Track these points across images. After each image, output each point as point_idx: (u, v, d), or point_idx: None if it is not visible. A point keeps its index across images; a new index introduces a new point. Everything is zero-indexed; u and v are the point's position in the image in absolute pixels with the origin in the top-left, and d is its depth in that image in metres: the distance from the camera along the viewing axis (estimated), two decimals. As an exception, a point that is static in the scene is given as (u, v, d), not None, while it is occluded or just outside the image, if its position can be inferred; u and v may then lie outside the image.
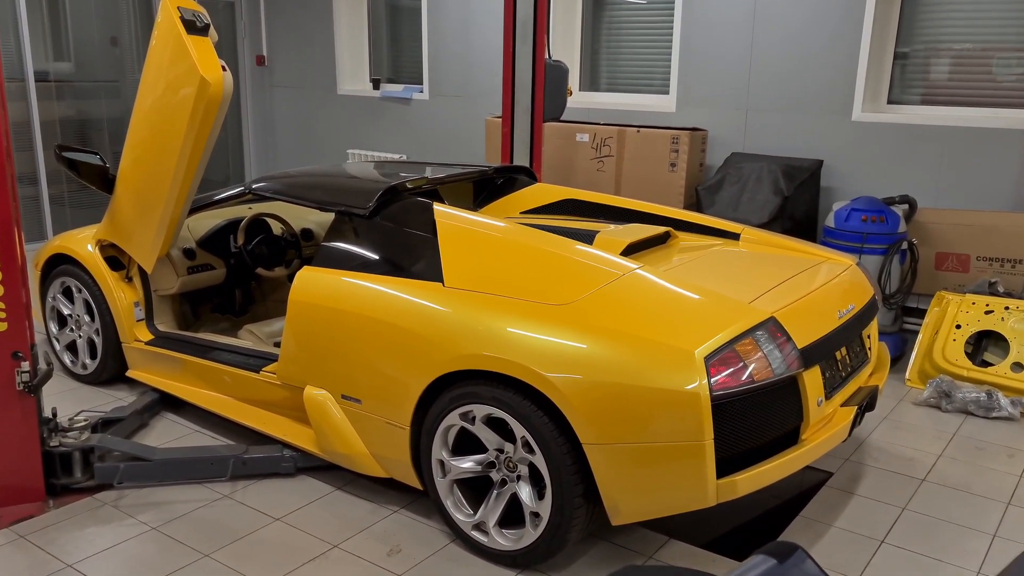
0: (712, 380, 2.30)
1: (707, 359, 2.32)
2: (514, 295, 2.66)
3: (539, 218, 3.75)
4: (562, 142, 5.91)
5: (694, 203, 5.38)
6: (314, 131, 8.14)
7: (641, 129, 5.54)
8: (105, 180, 3.74)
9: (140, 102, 3.41)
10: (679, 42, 5.70)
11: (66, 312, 4.12)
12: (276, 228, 4.33)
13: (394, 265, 2.99)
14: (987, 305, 4.23)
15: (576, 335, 2.45)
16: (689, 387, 2.29)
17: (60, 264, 4.10)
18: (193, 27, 3.15)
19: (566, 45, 6.45)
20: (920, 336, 4.37)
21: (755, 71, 5.44)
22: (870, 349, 3.09)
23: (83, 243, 3.98)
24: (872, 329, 3.14)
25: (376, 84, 7.72)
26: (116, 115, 7.66)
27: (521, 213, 3.89)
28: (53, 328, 4.22)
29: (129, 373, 3.96)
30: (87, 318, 4.03)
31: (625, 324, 2.44)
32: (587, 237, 3.14)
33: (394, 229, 3.10)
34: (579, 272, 2.67)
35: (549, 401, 2.50)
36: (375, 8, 7.80)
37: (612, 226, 3.38)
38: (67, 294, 4.13)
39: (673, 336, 2.38)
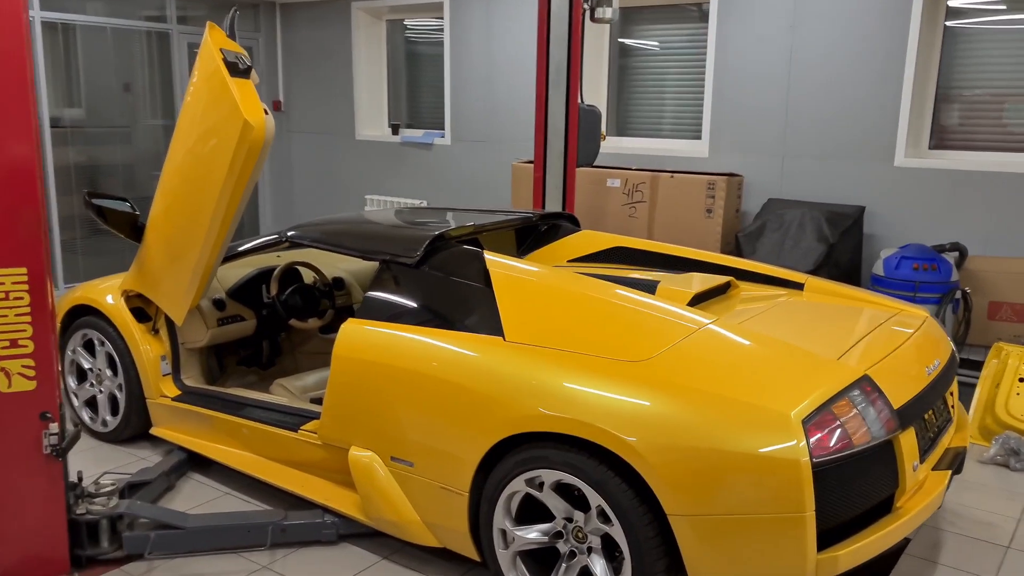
0: (811, 445, 2.13)
1: (804, 422, 2.15)
2: (583, 351, 2.50)
3: (589, 266, 3.61)
4: (592, 188, 5.82)
5: (733, 249, 5.25)
6: (332, 177, 8.06)
7: (675, 174, 5.44)
8: (134, 228, 3.60)
9: (175, 146, 3.29)
10: (712, 88, 5.64)
11: (87, 366, 3.95)
12: (307, 277, 4.18)
13: (447, 317, 2.84)
14: (1051, 357, 4.07)
15: (656, 395, 2.29)
16: (788, 453, 2.12)
17: (81, 316, 3.95)
18: (236, 69, 3.04)
19: (593, 90, 6.39)
20: (979, 390, 4.20)
21: (792, 117, 5.36)
22: (953, 407, 2.92)
23: (107, 293, 3.83)
24: (954, 386, 2.98)
25: (395, 129, 7.67)
26: (128, 161, 7.58)
27: (568, 262, 3.75)
28: (72, 383, 4.04)
29: (154, 431, 3.78)
30: (109, 372, 3.86)
31: (708, 383, 2.28)
32: (647, 287, 3.00)
33: (443, 279, 2.96)
34: (651, 326, 2.51)
35: (627, 467, 2.32)
36: (394, 54, 7.79)
37: (670, 275, 3.24)
38: (88, 347, 3.96)
39: (764, 396, 2.22)
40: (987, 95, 4.92)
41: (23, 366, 2.65)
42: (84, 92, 7.12)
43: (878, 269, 4.53)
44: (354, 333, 2.95)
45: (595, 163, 6.04)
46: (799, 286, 3.29)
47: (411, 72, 7.69)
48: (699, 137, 5.93)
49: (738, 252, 5.05)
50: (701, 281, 3.08)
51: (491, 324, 2.72)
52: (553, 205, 5.23)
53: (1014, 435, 3.86)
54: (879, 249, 5.10)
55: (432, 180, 7.32)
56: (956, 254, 4.63)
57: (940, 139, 5.11)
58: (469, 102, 6.95)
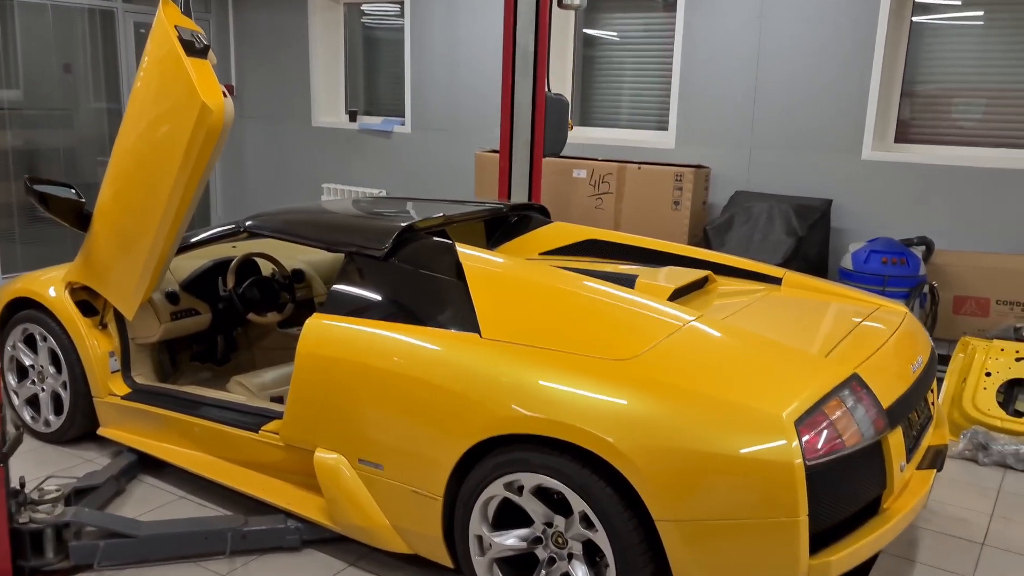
0: (803, 446, 2.07)
1: (797, 423, 2.09)
2: (564, 348, 2.40)
3: (562, 259, 3.51)
4: (558, 178, 5.72)
5: (701, 242, 5.21)
6: (287, 165, 7.83)
7: (642, 166, 5.37)
8: (80, 216, 3.39)
9: (126, 130, 3.09)
10: (679, 78, 5.58)
11: (27, 363, 3.72)
12: (266, 269, 4.01)
13: (418, 313, 2.71)
14: (1017, 352, 4.11)
15: (642, 394, 2.20)
16: (780, 455, 2.05)
17: (21, 309, 3.72)
18: (192, 48, 2.86)
19: (559, 79, 6.29)
20: (945, 384, 4.23)
21: (759, 108, 5.34)
22: (932, 404, 2.90)
23: (49, 286, 3.61)
24: (933, 383, 2.96)
25: (353, 116, 7.47)
26: (69, 145, 7.25)
27: (540, 254, 3.65)
28: (11, 380, 3.81)
29: (101, 431, 3.57)
30: (52, 369, 3.64)
31: (695, 382, 2.20)
32: (625, 282, 2.91)
33: (414, 273, 2.83)
34: (634, 323, 2.43)
35: (612, 470, 2.24)
36: (351, 38, 7.58)
37: (647, 269, 3.16)
38: (29, 342, 3.74)
39: (754, 396, 2.14)
40: (950, 90, 4.95)
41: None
42: (23, 73, 6.77)
43: (846, 263, 4.53)
44: (319, 328, 2.81)
45: (561, 153, 5.94)
46: (777, 280, 3.24)
47: (369, 58, 7.49)
48: (666, 128, 5.88)
49: (707, 245, 5.01)
50: (680, 276, 3.00)
51: (466, 320, 2.61)
52: (519, 195, 5.12)
53: (981, 430, 3.89)
54: (846, 242, 5.11)
55: (392, 169, 7.15)
56: (923, 248, 4.66)
57: (905, 133, 5.13)
58: (430, 89, 6.79)
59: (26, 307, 3.70)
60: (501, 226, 3.84)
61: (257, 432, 3.05)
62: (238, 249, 4.10)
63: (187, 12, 2.95)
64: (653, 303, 2.52)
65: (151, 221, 3.09)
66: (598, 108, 6.27)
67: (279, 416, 3.09)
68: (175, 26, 2.85)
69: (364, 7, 7.43)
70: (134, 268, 3.21)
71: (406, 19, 6.76)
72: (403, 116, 7.24)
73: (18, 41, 6.69)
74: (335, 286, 2.90)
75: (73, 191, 3.39)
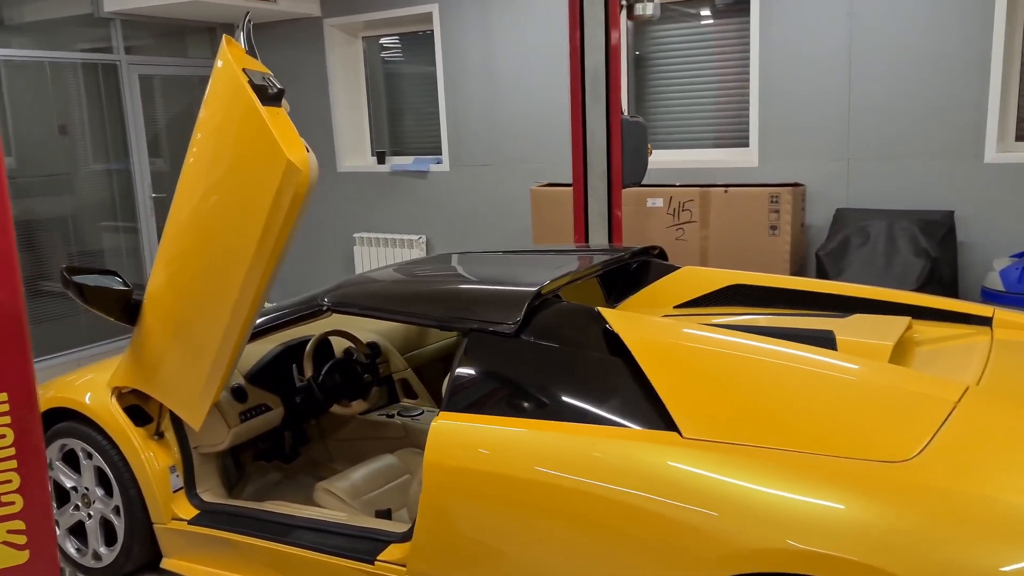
0: None
1: None
2: (803, 448, 1.85)
3: (705, 313, 2.97)
4: (628, 209, 5.20)
5: (809, 271, 4.68)
6: (312, 216, 7.30)
7: (729, 189, 4.85)
8: (127, 307, 2.84)
9: (183, 199, 2.56)
10: (758, 88, 5.08)
11: (69, 485, 3.15)
12: (338, 346, 3.46)
13: (577, 405, 2.16)
14: None
15: (950, 520, 1.65)
16: None
17: (57, 421, 3.15)
18: (265, 95, 2.33)
19: (614, 100, 5.78)
20: None
21: (855, 114, 4.83)
22: None
23: (89, 392, 3.05)
24: None
25: (381, 158, 6.96)
26: (69, 212, 6.70)
27: (675, 308, 3.10)
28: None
29: (165, 563, 2.99)
30: (100, 491, 3.07)
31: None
32: (821, 341, 2.37)
33: (557, 351, 2.29)
34: (887, 403, 1.88)
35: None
36: (372, 75, 7.09)
37: (833, 320, 2.61)
38: (70, 460, 3.17)
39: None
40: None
41: (9, 531, 1.88)
42: (13, 137, 6.26)
43: (992, 283, 4.00)
44: (448, 433, 2.25)
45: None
46: (986, 321, 2.69)
47: (392, 94, 7.00)
48: (746, 144, 5.37)
49: (822, 274, 4.47)
50: (884, 327, 2.46)
51: (651, 413, 2.06)
52: (599, 235, 4.59)
53: None
54: (975, 258, 4.58)
55: (431, 212, 6.62)
56: (1076, 259, 4.13)
57: None
58: (469, 121, 6.28)
59: (63, 418, 3.14)
60: (619, 277, 3.30)
61: (373, 563, 2.48)
62: (307, 326, 3.55)
63: (252, 52, 2.41)
64: (899, 373, 1.98)
65: (221, 308, 2.54)
66: (662, 127, 5.77)
67: (394, 537, 2.52)
68: (243, 69, 2.33)
69: (383, 40, 6.95)
70: (199, 367, 2.66)
71: (437, 46, 6.27)
72: (438, 153, 6.73)
73: (6, 102, 6.19)
74: (457, 373, 2.36)
75: (118, 279, 2.84)
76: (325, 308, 2.76)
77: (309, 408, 3.25)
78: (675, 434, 1.99)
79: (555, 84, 5.86)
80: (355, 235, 6.94)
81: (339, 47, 6.90)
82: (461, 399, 2.32)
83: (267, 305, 3.31)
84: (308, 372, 3.08)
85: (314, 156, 2.38)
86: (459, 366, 2.38)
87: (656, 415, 2.05)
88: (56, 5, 6.13)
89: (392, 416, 3.47)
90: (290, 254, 7.54)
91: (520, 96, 6.01)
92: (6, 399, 1.82)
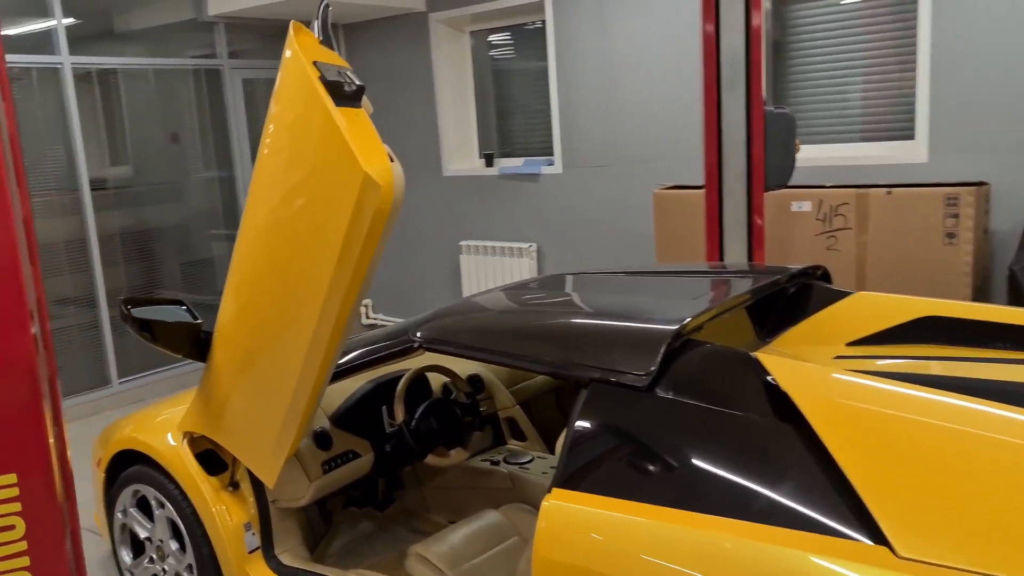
0: None
1: None
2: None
3: (894, 352, 2.36)
4: (771, 215, 4.57)
5: (994, 287, 3.95)
6: (417, 223, 6.98)
7: (892, 189, 4.16)
8: (196, 342, 2.51)
9: (250, 218, 2.19)
10: (928, 67, 4.35)
11: (143, 535, 2.87)
12: (438, 382, 3.05)
13: (739, 493, 1.64)
14: None
15: None
16: None
17: (132, 462, 2.88)
18: (340, 93, 1.92)
19: (749, 89, 5.15)
20: None
21: (1053, 97, 4.04)
22: None
23: (162, 434, 2.75)
24: None
25: (489, 160, 6.55)
26: (177, 222, 6.62)
27: (848, 346, 2.51)
28: (125, 557, 2.96)
29: (242, 634, 2.65)
30: (174, 545, 2.76)
31: None
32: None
33: (705, 413, 1.78)
34: None
35: None
36: (479, 72, 6.70)
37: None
38: (144, 507, 2.88)
39: None
40: None
41: (21, 643, 1.53)
42: (131, 147, 6.23)
43: None
44: (564, 520, 1.77)
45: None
46: None
47: (500, 92, 6.58)
48: (911, 136, 4.64)
49: (1015, 292, 3.73)
50: None
51: (844, 513, 1.51)
52: (736, 247, 4.00)
53: None
54: None
55: (542, 218, 6.17)
56: None
57: None
58: (583, 119, 5.79)
59: (137, 460, 2.86)
60: (772, 302, 2.73)
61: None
62: (399, 361, 3.15)
63: (328, 42, 1.97)
64: None
65: (295, 346, 2.15)
66: (804, 120, 5.10)
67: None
68: (314, 62, 1.92)
69: (491, 38, 6.55)
70: (272, 415, 2.28)
71: (549, 39, 5.81)
72: (550, 154, 6.27)
73: (125, 113, 6.16)
74: (574, 437, 1.88)
75: (184, 309, 2.51)
76: (416, 346, 2.34)
77: (401, 457, 2.84)
78: (885, 550, 1.44)
79: (683, 73, 5.29)
80: (461, 243, 6.57)
81: (445, 43, 6.54)
82: (579, 474, 1.83)
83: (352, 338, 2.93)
84: (399, 417, 2.67)
85: (399, 167, 1.95)
86: (576, 427, 1.90)
87: (853, 517, 1.51)
88: (161, 11, 6.04)
89: (497, 463, 3.03)
90: (392, 264, 7.25)
91: (641, 89, 5.47)
92: (14, 481, 1.47)
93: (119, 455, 2.91)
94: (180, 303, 2.51)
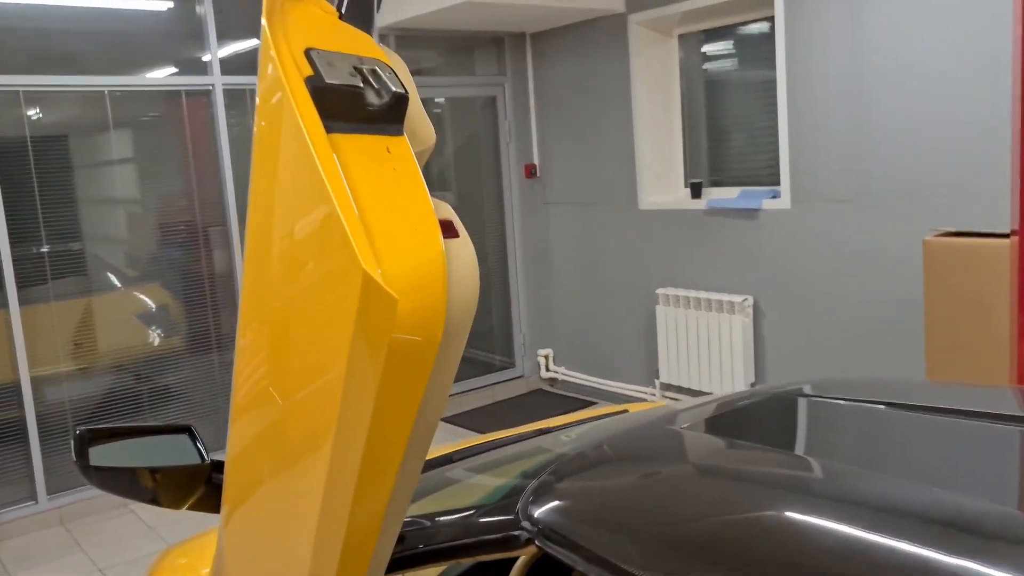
0: None
1: None
2: None
3: None
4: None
5: None
6: (603, 262, 6.01)
7: None
8: (209, 489, 1.68)
9: (245, 289, 1.32)
10: None
11: None
12: None
13: None
14: None
15: None
16: None
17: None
18: (353, 108, 1.00)
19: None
20: None
21: None
22: None
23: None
24: None
25: (696, 190, 5.45)
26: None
27: None
28: None
29: None
30: None
31: None
32: None
33: None
34: None
35: None
36: (689, 85, 5.62)
37: None
38: None
39: None
40: None
41: None
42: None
43: None
44: None
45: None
46: None
47: (712, 107, 5.47)
48: None
49: None
50: None
51: None
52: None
53: None
54: None
55: (759, 264, 4.97)
56: None
57: None
58: (820, 141, 4.56)
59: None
60: None
61: None
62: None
63: (358, 16, 0.99)
64: None
65: (305, 509, 1.26)
66: None
67: None
68: (306, 50, 1.02)
69: (705, 48, 5.46)
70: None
71: (778, 41, 4.64)
72: (775, 184, 5.07)
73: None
74: None
75: (187, 435, 1.69)
76: (524, 538, 1.38)
77: None
78: None
79: (965, 84, 3.94)
80: (658, 290, 5.51)
81: (647, 49, 5.55)
82: None
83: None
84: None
85: (465, 249, 1.01)
86: None
87: None
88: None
89: None
90: (573, 308, 6.31)
91: (904, 103, 4.16)
92: None
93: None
94: (185, 430, 1.70)
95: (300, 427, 1.21)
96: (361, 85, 1.02)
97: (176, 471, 1.62)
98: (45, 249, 4.54)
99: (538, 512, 1.41)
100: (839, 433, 1.58)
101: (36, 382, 4.51)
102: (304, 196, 0.99)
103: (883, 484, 1.26)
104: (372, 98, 1.03)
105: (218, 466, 1.68)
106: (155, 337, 5.06)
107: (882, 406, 1.66)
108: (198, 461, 1.65)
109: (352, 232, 0.90)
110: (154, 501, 1.63)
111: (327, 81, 0.99)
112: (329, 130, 0.98)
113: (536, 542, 1.36)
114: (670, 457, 1.52)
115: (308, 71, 1.00)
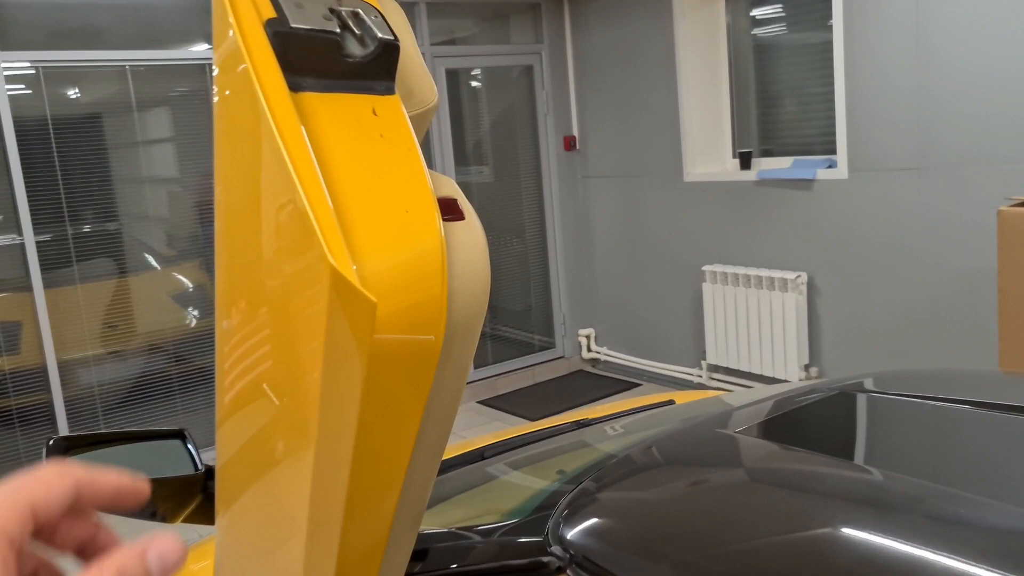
0: None
1: None
2: None
3: None
4: None
5: None
6: (646, 238, 5.77)
7: None
8: (204, 497, 1.53)
9: (220, 295, 1.14)
10: None
11: None
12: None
13: None
14: None
15: None
16: None
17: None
18: (329, 61, 0.80)
19: None
20: None
21: None
22: None
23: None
24: None
25: (746, 160, 5.17)
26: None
27: None
28: None
29: None
30: None
31: None
32: None
33: None
34: None
35: None
36: (737, 50, 5.32)
37: None
38: None
39: None
40: None
41: None
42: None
43: None
44: None
45: None
46: None
47: (762, 71, 5.17)
48: None
49: None
50: None
51: None
52: None
53: None
54: None
55: (814, 239, 4.70)
56: None
57: None
58: (881, 106, 4.25)
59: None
60: None
61: None
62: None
63: None
64: None
65: (293, 525, 1.09)
66: None
67: None
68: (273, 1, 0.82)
69: (754, 12, 5.15)
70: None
71: (836, 1, 4.33)
72: (831, 153, 4.77)
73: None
74: None
75: (181, 441, 1.53)
76: (555, 566, 1.21)
77: None
78: None
79: (1046, 32, 3.61)
80: (704, 267, 5.25)
81: (692, 11, 5.25)
82: None
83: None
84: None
85: (474, 231, 0.82)
86: None
87: None
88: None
89: None
90: (615, 285, 6.07)
91: (972, 61, 3.84)
92: None
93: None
94: (178, 435, 1.53)
95: (280, 438, 1.03)
96: (339, 31, 0.82)
97: (168, 482, 1.46)
98: (70, 230, 4.45)
99: (571, 534, 1.23)
100: (915, 439, 1.36)
101: (64, 366, 4.44)
102: (265, 176, 0.79)
103: (979, 510, 1.04)
104: (353, 47, 0.83)
105: (213, 473, 1.52)
106: (191, 318, 4.97)
107: (964, 406, 1.44)
108: (192, 470, 1.49)
109: (319, 221, 0.71)
110: (152, 516, 1.48)
111: (292, 25, 0.79)
112: (296, 88, 0.78)
113: (568, 573, 1.18)
114: (725, 470, 1.32)
115: (270, 13, 0.80)
